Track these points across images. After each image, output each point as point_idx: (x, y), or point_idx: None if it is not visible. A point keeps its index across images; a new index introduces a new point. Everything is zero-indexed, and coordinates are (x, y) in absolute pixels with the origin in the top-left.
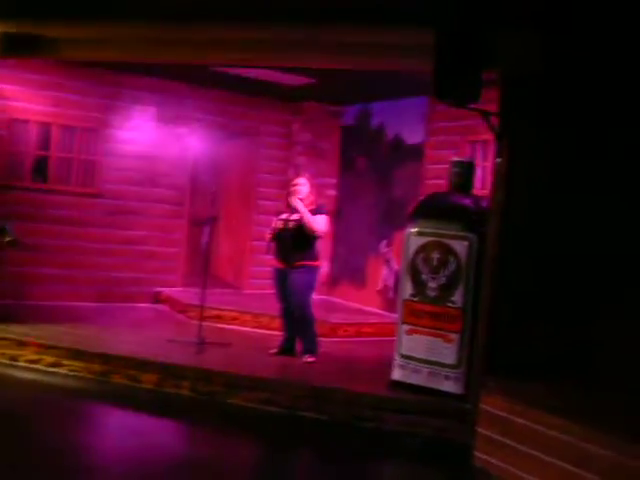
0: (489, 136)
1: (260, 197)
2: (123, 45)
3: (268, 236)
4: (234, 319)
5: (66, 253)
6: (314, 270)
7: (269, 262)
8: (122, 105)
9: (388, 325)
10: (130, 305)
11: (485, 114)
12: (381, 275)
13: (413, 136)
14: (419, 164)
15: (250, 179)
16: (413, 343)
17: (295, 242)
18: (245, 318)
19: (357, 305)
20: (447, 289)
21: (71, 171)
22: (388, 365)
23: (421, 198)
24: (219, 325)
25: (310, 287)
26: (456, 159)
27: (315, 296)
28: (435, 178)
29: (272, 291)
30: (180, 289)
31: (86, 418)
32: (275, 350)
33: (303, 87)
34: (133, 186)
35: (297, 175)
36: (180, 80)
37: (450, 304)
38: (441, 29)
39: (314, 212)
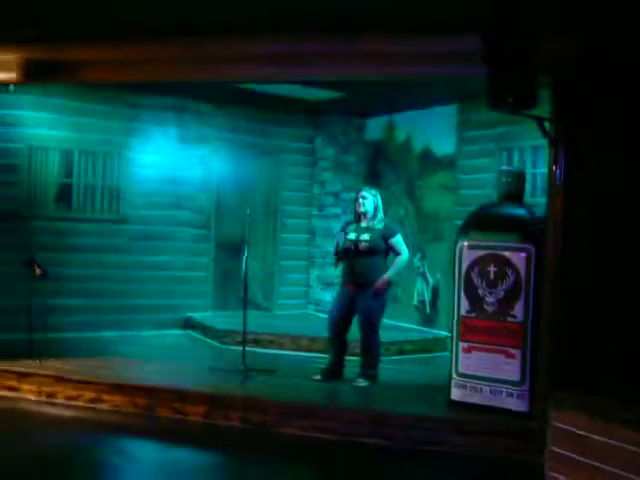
0: (526, 142)
1: (286, 215)
2: (146, 65)
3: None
4: (271, 342)
5: (92, 282)
6: (386, 291)
7: (298, 281)
8: (143, 127)
9: (429, 341)
10: (161, 333)
11: (539, 119)
12: (416, 290)
13: (443, 146)
14: (452, 175)
15: (275, 197)
16: (472, 361)
17: (366, 264)
18: (283, 341)
19: (393, 322)
20: (506, 303)
21: (95, 197)
22: (443, 384)
23: (472, 210)
24: (257, 349)
25: (383, 310)
26: (506, 168)
27: None
28: (470, 188)
29: (298, 311)
30: (210, 314)
31: (133, 457)
32: (320, 376)
33: (327, 101)
34: (157, 210)
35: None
36: (200, 99)
37: (510, 318)
38: (490, 35)
39: (386, 234)
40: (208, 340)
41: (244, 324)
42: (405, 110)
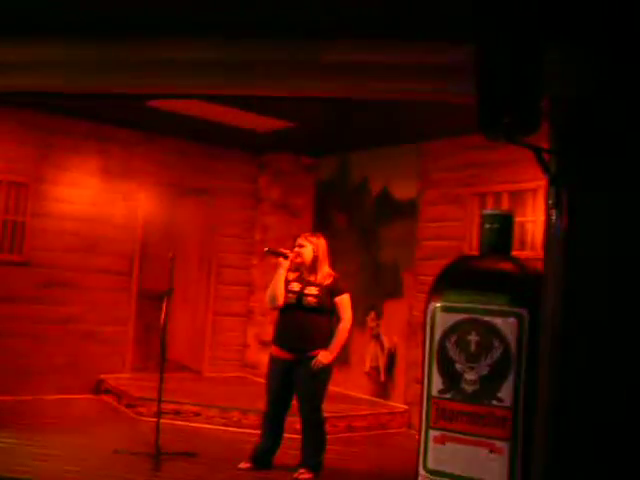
0: (502, 187)
1: (222, 264)
2: (54, 70)
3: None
4: (196, 415)
5: None
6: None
7: (233, 340)
8: (58, 155)
9: (383, 416)
10: (67, 398)
11: (538, 150)
12: (369, 354)
13: (404, 190)
14: (412, 222)
15: (210, 243)
16: (445, 454)
17: (310, 324)
18: (210, 413)
19: (340, 390)
20: (491, 382)
21: None
22: (405, 474)
23: (447, 263)
24: (178, 423)
25: (327, 384)
26: (490, 211)
27: None
28: (434, 238)
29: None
30: (128, 376)
31: None
32: (247, 464)
33: (275, 134)
34: (71, 253)
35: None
36: (128, 126)
37: (496, 402)
38: (484, 43)
39: (334, 290)
40: (123, 408)
41: (159, 391)
42: (361, 148)
